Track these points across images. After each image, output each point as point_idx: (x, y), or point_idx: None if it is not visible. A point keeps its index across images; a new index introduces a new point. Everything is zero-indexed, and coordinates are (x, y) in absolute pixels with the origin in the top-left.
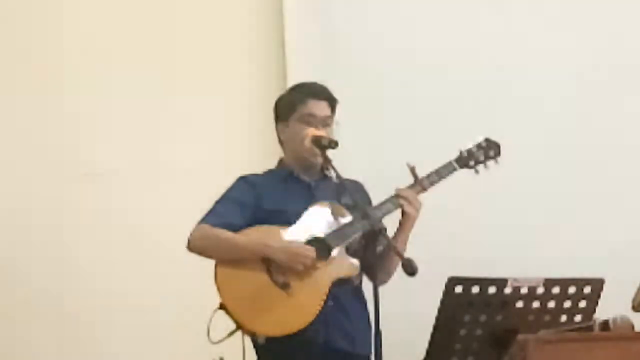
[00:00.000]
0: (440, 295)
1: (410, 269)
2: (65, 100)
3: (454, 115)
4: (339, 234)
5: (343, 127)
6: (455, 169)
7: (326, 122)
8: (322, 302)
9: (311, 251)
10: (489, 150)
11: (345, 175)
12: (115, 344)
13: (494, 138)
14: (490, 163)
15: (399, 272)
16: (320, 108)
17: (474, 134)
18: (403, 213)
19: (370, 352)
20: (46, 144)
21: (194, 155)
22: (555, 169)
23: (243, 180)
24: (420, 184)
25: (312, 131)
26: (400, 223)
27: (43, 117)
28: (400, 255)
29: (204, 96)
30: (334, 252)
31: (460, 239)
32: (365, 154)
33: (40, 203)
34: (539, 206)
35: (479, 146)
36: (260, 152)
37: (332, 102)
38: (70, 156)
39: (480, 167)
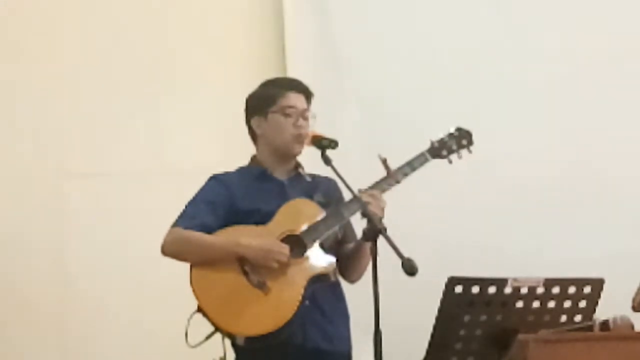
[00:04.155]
0: (440, 295)
1: (410, 269)
2: (65, 100)
3: (455, 115)
4: (312, 230)
5: (343, 126)
6: (427, 160)
7: (305, 115)
8: (299, 300)
9: (285, 248)
10: (461, 139)
11: (345, 174)
12: (115, 344)
13: (496, 137)
14: (464, 152)
15: (399, 272)
16: (299, 100)
17: (476, 133)
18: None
19: (350, 349)
20: (46, 144)
21: (194, 156)
22: (555, 168)
23: (215, 179)
24: (393, 176)
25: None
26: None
27: (43, 117)
28: (401, 255)
29: (203, 96)
30: (309, 249)
31: (460, 238)
32: (364, 153)
33: (40, 203)
34: (539, 206)
35: (450, 135)
36: None
37: (308, 95)
38: (70, 156)
39: (454, 157)
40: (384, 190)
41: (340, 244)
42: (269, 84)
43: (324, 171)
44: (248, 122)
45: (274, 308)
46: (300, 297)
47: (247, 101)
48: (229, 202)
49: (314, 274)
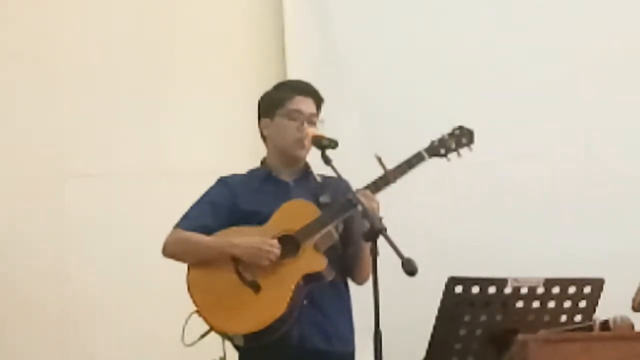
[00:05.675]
0: (440, 295)
1: (410, 269)
2: (65, 100)
3: (455, 115)
4: (306, 230)
5: (343, 126)
6: (424, 158)
7: (311, 120)
8: (289, 298)
9: (274, 246)
10: (461, 137)
11: (345, 174)
12: (115, 344)
13: (496, 137)
14: (464, 151)
15: (399, 272)
16: (306, 105)
17: (476, 133)
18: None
19: (353, 350)
20: (46, 144)
21: (193, 157)
22: (555, 168)
23: (221, 181)
24: (389, 175)
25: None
26: None
27: (43, 117)
28: (401, 255)
29: (203, 97)
30: (302, 249)
31: (460, 238)
32: (364, 153)
33: (40, 203)
34: (539, 206)
35: (451, 134)
36: (261, 154)
37: (318, 100)
38: (70, 156)
39: (453, 155)
40: (379, 189)
41: (345, 245)
42: (280, 86)
43: (325, 171)
44: (258, 122)
45: (263, 306)
46: (289, 296)
47: (259, 102)
48: (231, 203)
49: (305, 273)
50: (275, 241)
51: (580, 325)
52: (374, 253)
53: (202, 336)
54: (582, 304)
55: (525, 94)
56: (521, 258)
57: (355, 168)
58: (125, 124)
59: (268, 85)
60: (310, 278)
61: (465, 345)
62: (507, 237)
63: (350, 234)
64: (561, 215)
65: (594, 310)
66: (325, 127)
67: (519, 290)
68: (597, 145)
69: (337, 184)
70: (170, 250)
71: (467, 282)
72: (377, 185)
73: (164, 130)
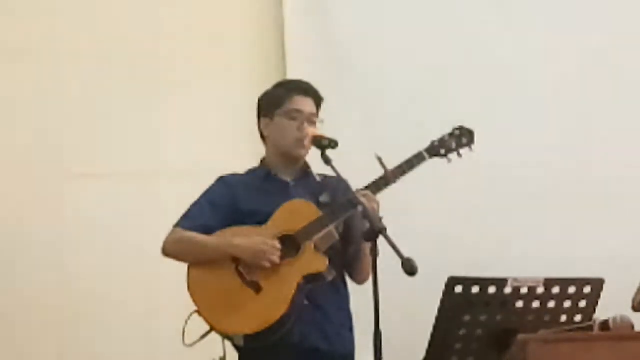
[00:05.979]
0: (440, 295)
1: (410, 269)
2: (65, 100)
3: (455, 115)
4: (307, 230)
5: (343, 126)
6: (424, 159)
7: (311, 119)
8: (290, 299)
9: (275, 247)
10: (462, 138)
11: (345, 174)
12: (114, 344)
13: (496, 137)
14: (465, 151)
15: (399, 272)
16: (306, 104)
17: (476, 133)
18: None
19: (352, 350)
20: (46, 144)
21: (193, 157)
22: (555, 169)
23: (221, 181)
24: (389, 175)
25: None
26: None
27: (43, 117)
28: (401, 255)
29: (203, 97)
30: (303, 249)
31: (460, 238)
32: (365, 153)
33: (40, 203)
34: (539, 206)
35: (451, 134)
36: (261, 154)
37: (318, 99)
38: (70, 156)
39: (454, 155)
40: (379, 189)
41: (346, 245)
42: (280, 86)
43: (325, 171)
44: (258, 122)
45: (264, 307)
46: (290, 296)
47: (258, 101)
48: (231, 203)
49: (306, 274)
50: (276, 242)
51: (580, 325)
52: (374, 253)
53: (203, 336)
54: (582, 304)
55: (525, 93)
56: (521, 258)
57: (355, 168)
58: (125, 123)
59: (268, 85)
60: (311, 278)
61: (465, 345)
62: (507, 237)
63: (350, 234)
64: (561, 215)
65: (594, 310)
66: (325, 127)
67: (519, 290)
68: (597, 145)
69: (337, 184)
70: (170, 250)
71: (467, 282)
72: (377, 186)
73: (163, 130)
